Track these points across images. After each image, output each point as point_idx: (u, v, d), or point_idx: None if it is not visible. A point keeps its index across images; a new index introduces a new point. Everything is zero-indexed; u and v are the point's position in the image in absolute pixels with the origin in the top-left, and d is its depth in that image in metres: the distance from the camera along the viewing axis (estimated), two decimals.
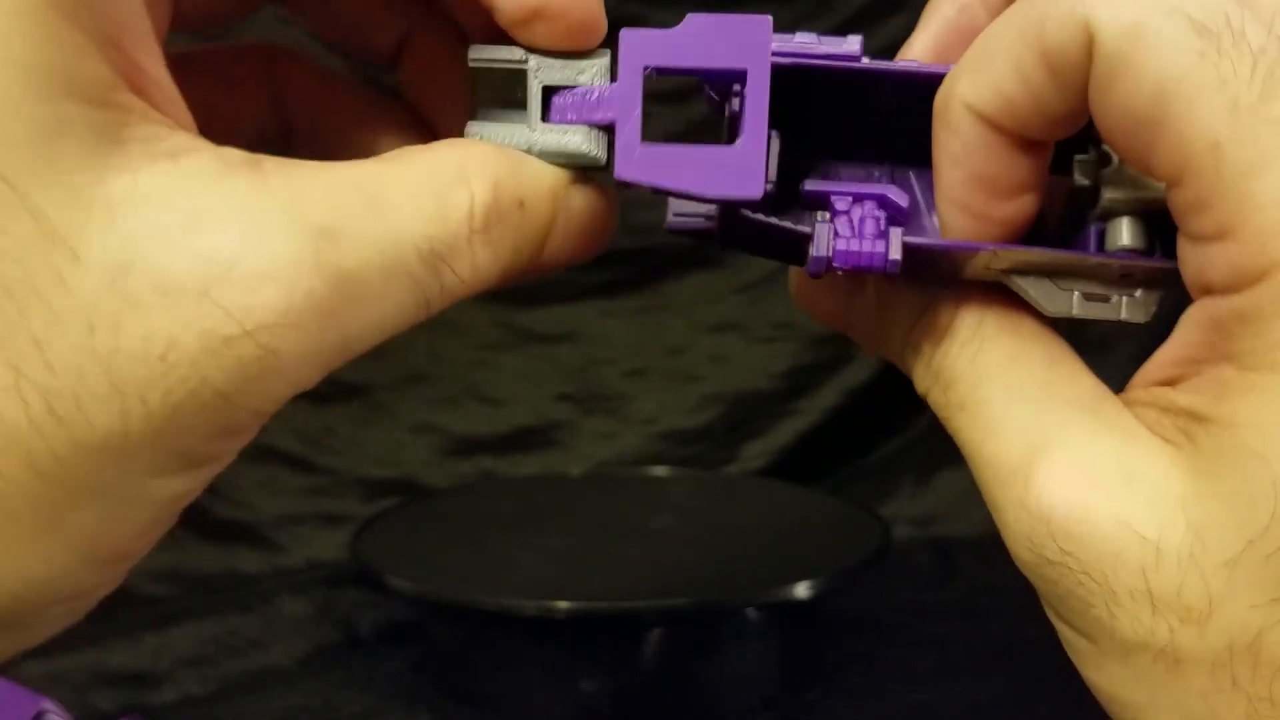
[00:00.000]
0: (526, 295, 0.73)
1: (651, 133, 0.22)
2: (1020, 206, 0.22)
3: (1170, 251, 0.21)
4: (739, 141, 0.22)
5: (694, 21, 0.22)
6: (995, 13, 0.23)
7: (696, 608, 0.49)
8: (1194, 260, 0.20)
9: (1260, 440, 0.19)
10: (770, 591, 0.50)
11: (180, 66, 0.21)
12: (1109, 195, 0.23)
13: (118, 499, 0.19)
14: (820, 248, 0.22)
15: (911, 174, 0.25)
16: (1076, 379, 0.22)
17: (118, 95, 0.18)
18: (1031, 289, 0.23)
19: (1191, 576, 0.19)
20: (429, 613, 0.55)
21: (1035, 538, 0.21)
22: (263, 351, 0.18)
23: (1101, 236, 0.23)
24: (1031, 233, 0.23)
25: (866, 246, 0.22)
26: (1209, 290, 0.20)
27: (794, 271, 0.26)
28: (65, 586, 0.19)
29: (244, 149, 0.20)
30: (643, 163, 0.22)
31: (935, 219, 0.24)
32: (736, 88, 0.23)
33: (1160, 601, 0.19)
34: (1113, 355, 0.56)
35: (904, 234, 0.22)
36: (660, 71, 0.22)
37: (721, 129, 0.24)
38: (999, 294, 0.23)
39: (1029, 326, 0.23)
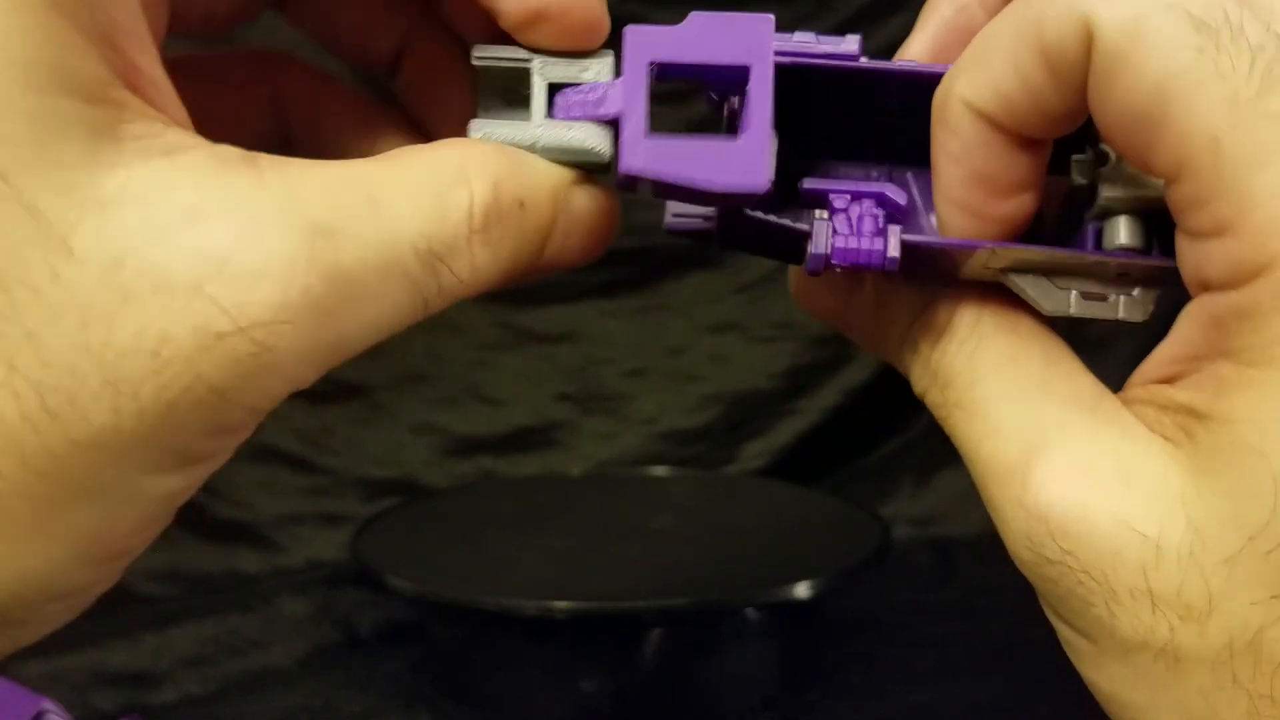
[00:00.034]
0: (526, 295, 0.73)
1: (653, 130, 0.22)
2: (1019, 205, 0.22)
3: (1168, 250, 0.21)
4: (743, 134, 0.22)
5: (697, 19, 0.22)
6: (993, 13, 0.23)
7: (696, 608, 0.49)
8: (1192, 257, 0.20)
9: (1258, 436, 0.19)
10: (770, 591, 0.50)
11: (179, 70, 0.21)
12: (1106, 193, 0.23)
13: (113, 496, 0.19)
14: (819, 245, 0.22)
15: (909, 175, 0.25)
16: (1074, 377, 0.22)
17: (113, 92, 0.18)
18: (1029, 288, 0.23)
19: (1191, 574, 0.19)
20: (429, 613, 0.55)
21: (1034, 537, 0.21)
22: (257, 348, 0.18)
23: (1099, 236, 0.23)
24: (1029, 233, 0.23)
25: (865, 244, 0.22)
26: (1207, 286, 0.20)
27: (793, 270, 0.26)
28: (62, 583, 0.19)
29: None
30: (648, 154, 0.22)
31: (933, 219, 0.24)
32: (735, 99, 0.23)
33: (1160, 600, 0.19)
34: (1111, 355, 0.56)
35: (902, 232, 0.22)
36: (664, 68, 0.22)
37: (721, 129, 0.24)
38: (997, 293, 0.23)
39: (1026, 325, 0.23)
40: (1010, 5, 0.21)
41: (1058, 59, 0.20)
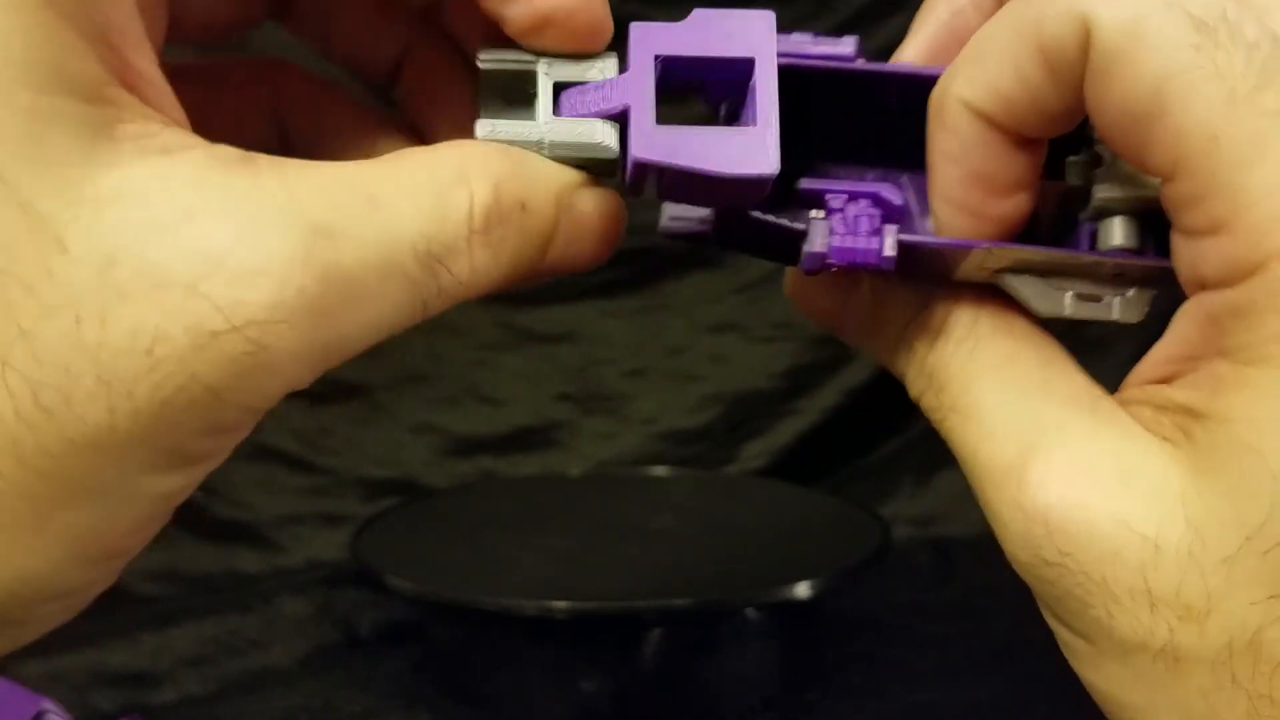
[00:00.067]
0: (526, 295, 0.73)
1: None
2: (1016, 204, 0.22)
3: (1163, 251, 0.21)
4: (752, 123, 0.22)
5: (699, 15, 0.22)
6: (988, 15, 0.23)
7: (696, 608, 0.49)
8: (1188, 255, 0.20)
9: (1256, 435, 0.19)
10: (770, 591, 0.50)
11: (178, 75, 0.21)
12: (1101, 194, 0.23)
13: (111, 495, 0.19)
14: (815, 243, 0.22)
15: (905, 177, 0.25)
16: (1071, 378, 0.22)
17: (110, 91, 0.18)
18: (1024, 289, 0.23)
19: (1191, 574, 0.19)
20: (429, 613, 0.55)
21: (1032, 538, 0.21)
22: (253, 348, 0.18)
23: (1094, 236, 0.23)
24: (1024, 235, 0.23)
25: (861, 243, 0.22)
26: (1203, 285, 0.20)
27: (789, 270, 0.26)
28: (60, 583, 0.19)
29: None
30: (659, 143, 0.22)
31: (929, 222, 0.24)
32: (734, 100, 0.23)
33: (1159, 600, 0.19)
34: (1110, 356, 0.55)
35: (898, 232, 0.22)
36: (668, 63, 0.22)
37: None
38: (993, 295, 0.23)
39: (1022, 327, 0.23)
40: (1007, 5, 0.21)
41: (1056, 58, 0.20)
